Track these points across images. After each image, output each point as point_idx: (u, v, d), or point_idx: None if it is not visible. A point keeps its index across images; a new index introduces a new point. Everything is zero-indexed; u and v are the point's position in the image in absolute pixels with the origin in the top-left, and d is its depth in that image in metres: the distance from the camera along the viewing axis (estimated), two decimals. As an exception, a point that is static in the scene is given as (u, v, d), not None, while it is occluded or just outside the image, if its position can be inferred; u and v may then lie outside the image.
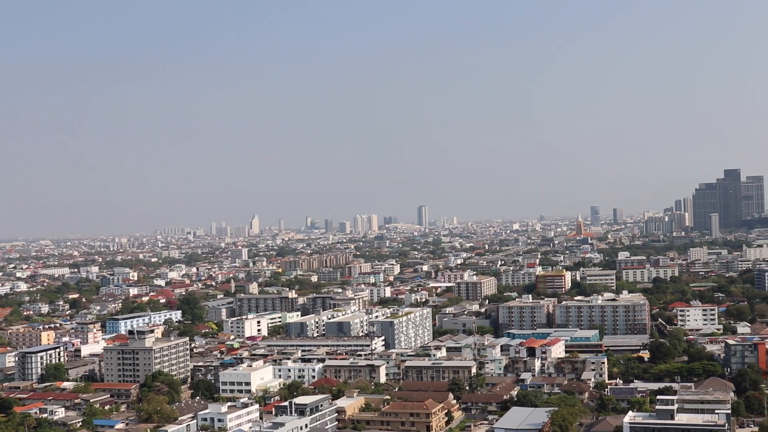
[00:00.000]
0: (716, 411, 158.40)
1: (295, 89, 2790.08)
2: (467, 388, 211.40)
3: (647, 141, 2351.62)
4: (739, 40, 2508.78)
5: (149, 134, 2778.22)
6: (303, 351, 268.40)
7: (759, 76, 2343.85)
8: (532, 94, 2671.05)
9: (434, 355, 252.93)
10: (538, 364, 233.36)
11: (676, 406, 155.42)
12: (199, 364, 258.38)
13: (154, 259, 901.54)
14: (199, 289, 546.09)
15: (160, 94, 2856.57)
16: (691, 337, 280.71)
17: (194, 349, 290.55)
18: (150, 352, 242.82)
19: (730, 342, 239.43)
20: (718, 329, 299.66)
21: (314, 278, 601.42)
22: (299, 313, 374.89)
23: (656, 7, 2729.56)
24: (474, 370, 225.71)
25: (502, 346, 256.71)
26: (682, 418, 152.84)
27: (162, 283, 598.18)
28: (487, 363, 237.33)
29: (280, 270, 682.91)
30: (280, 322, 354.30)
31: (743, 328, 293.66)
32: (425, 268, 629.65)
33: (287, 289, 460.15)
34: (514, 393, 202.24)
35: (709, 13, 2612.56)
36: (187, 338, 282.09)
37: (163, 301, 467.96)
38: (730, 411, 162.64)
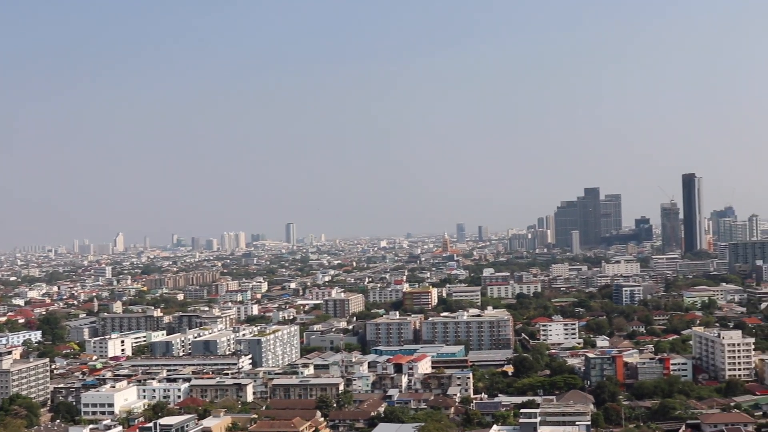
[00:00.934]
0: (577, 423, 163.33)
1: (160, 103, 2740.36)
2: (335, 405, 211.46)
3: (510, 160, 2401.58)
4: (588, 66, 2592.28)
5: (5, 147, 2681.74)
6: (168, 371, 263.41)
7: (611, 101, 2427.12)
8: (388, 113, 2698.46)
9: (302, 372, 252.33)
10: (405, 380, 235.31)
11: (538, 419, 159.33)
12: (59, 385, 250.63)
13: (12, 278, 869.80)
14: (61, 308, 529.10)
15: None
16: (553, 351, 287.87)
17: (55, 371, 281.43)
18: (7, 374, 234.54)
19: (590, 355, 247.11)
20: (579, 343, 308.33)
21: (180, 296, 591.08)
22: (165, 332, 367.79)
23: (502, 27, 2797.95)
24: (341, 387, 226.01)
25: (369, 363, 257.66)
26: (544, 431, 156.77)
27: (21, 302, 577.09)
28: (355, 380, 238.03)
29: (145, 288, 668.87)
30: (144, 341, 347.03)
31: (602, 341, 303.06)
32: (293, 285, 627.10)
33: (152, 307, 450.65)
34: (382, 409, 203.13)
35: (555, 37, 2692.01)
36: (48, 359, 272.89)
37: (22, 321, 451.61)
38: (590, 422, 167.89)
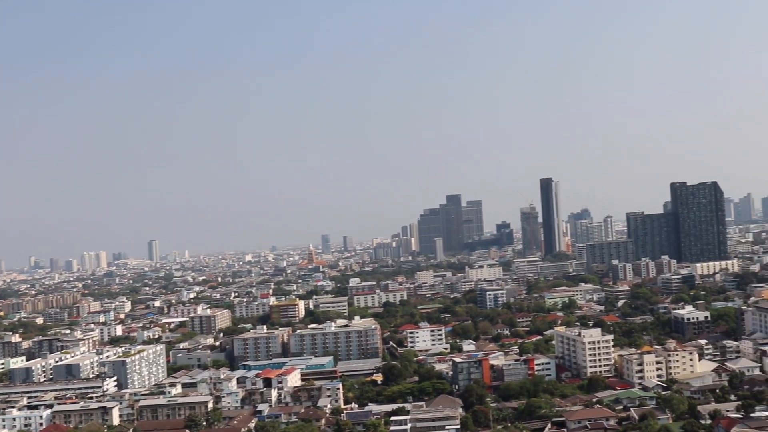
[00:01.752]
0: (446, 427, 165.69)
1: (9, 120, 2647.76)
2: (204, 423, 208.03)
3: (372, 170, 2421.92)
4: (443, 75, 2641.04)
5: None
6: (29, 398, 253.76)
7: (469, 109, 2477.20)
8: (248, 128, 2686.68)
9: (169, 392, 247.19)
10: (275, 394, 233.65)
11: (409, 426, 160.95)
12: None
13: None
14: None
15: None
16: (421, 357, 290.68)
17: None
18: None
19: (457, 360, 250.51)
20: (446, 348, 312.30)
21: (40, 320, 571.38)
22: (24, 357, 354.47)
23: (341, 48, 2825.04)
24: (210, 405, 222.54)
25: (238, 379, 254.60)
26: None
27: None
28: (224, 397, 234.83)
29: (1, 313, 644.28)
30: (2, 368, 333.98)
31: (468, 345, 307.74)
32: (157, 303, 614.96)
33: (10, 333, 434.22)
34: (252, 425, 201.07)
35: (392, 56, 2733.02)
36: None
37: None
38: (459, 426, 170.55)
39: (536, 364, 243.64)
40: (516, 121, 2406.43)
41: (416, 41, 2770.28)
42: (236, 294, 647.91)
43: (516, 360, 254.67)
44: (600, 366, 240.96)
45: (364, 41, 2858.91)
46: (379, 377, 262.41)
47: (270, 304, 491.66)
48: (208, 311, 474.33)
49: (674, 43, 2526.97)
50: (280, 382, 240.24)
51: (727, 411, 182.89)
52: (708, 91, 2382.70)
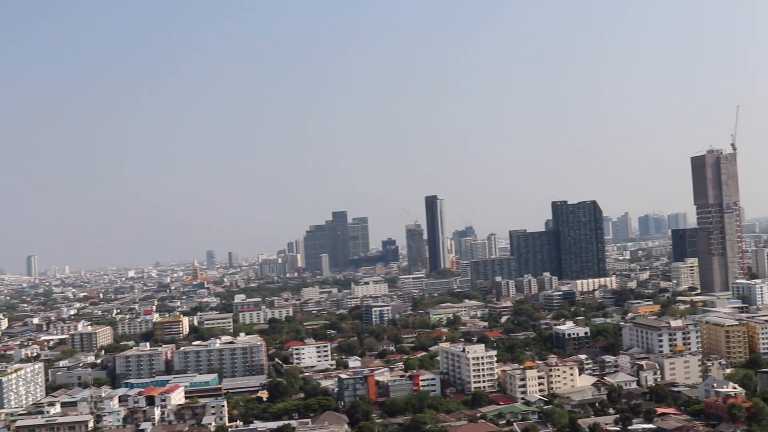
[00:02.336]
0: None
1: None
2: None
3: (255, 187, 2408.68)
4: (331, 96, 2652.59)
5: None
6: None
7: (357, 128, 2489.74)
8: (128, 143, 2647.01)
9: (48, 412, 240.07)
10: (158, 412, 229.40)
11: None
12: None
13: None
14: None
15: None
16: (307, 374, 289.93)
17: None
18: None
19: (343, 376, 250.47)
20: (332, 365, 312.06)
21: None
22: None
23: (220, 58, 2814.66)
24: (91, 425, 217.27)
25: (120, 397, 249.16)
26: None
27: None
28: (105, 416, 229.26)
29: None
30: None
31: (354, 362, 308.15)
32: (36, 320, 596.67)
33: None
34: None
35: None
36: None
37: None
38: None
39: (421, 380, 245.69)
40: (402, 138, 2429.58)
41: (286, 59, 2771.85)
42: (118, 310, 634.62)
43: (401, 376, 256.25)
44: (484, 381, 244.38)
45: (240, 57, 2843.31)
46: (264, 394, 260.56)
47: (153, 320, 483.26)
48: (89, 328, 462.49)
49: (552, 72, 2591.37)
50: (164, 400, 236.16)
51: (606, 424, 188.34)
52: (587, 117, 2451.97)
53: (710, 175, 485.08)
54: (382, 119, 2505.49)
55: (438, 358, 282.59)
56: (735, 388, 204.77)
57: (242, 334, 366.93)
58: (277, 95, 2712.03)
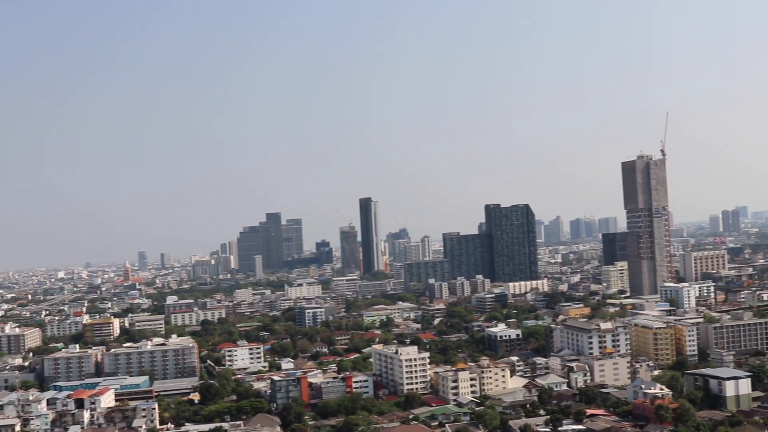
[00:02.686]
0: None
1: None
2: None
3: (189, 188, 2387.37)
4: (261, 96, 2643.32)
5: None
6: None
7: (293, 129, 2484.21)
8: (58, 142, 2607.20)
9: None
10: (87, 415, 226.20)
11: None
12: None
13: None
14: None
15: None
16: (239, 376, 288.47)
17: None
18: None
19: (276, 378, 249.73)
20: (264, 366, 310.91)
21: None
22: None
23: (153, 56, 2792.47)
24: (18, 428, 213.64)
25: (48, 400, 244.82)
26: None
27: None
28: (33, 419, 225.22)
29: None
30: None
31: (287, 363, 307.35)
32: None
33: None
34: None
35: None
36: None
37: None
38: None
39: (354, 382, 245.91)
40: (337, 141, 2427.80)
41: (211, 59, 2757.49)
42: (47, 312, 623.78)
43: (334, 378, 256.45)
44: (417, 383, 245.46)
45: (166, 57, 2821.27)
46: (196, 396, 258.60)
47: (83, 322, 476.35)
48: (17, 330, 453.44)
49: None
50: (93, 403, 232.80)
51: (537, 425, 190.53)
52: (519, 123, 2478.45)
53: (640, 180, 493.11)
54: (316, 121, 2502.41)
55: (371, 360, 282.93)
56: (662, 389, 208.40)
57: (174, 336, 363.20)
58: (208, 96, 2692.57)
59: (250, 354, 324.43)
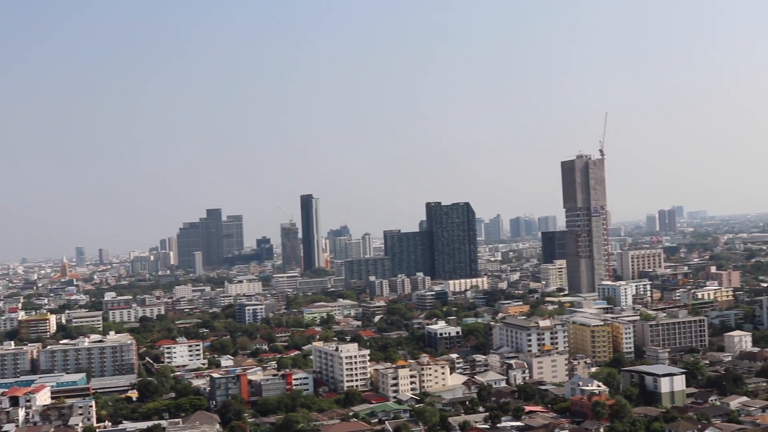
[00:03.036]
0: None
1: None
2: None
3: (125, 183, 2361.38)
4: (187, 95, 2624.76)
5: None
6: None
7: (237, 125, 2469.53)
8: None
9: None
10: (22, 413, 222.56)
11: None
12: None
13: None
14: None
15: None
16: (178, 373, 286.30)
17: None
18: None
19: (215, 375, 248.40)
20: (204, 364, 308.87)
21: None
22: None
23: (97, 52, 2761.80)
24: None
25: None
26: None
27: None
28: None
29: None
30: None
31: (227, 361, 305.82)
32: None
33: None
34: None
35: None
36: None
37: None
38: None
39: (294, 379, 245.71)
40: (279, 136, 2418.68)
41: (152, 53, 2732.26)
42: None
43: (274, 375, 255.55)
44: (357, 380, 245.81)
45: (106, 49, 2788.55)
46: (134, 394, 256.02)
47: (19, 318, 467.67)
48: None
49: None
50: (28, 401, 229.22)
51: (476, 422, 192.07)
52: (457, 121, 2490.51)
53: (579, 179, 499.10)
54: (253, 118, 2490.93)
55: (311, 357, 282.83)
56: (599, 386, 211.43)
57: (112, 333, 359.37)
58: (145, 90, 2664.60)
59: (190, 351, 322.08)
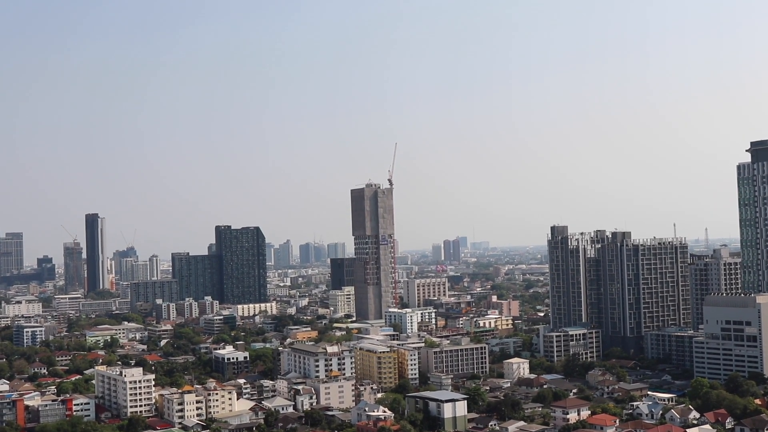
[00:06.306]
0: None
1: None
2: None
3: None
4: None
5: None
6: None
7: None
8: None
9: None
10: None
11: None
12: None
13: None
14: None
15: None
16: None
17: None
18: None
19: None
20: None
21: None
22: None
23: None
24: None
25: None
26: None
27: None
28: None
29: None
30: None
31: (2, 385, 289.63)
32: None
33: None
34: None
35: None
36: None
37: None
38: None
39: (75, 405, 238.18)
40: (61, 153, 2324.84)
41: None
42: None
43: (53, 400, 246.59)
44: (141, 406, 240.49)
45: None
46: None
47: None
48: None
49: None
50: None
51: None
52: (251, 144, 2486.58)
53: (368, 207, 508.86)
54: (34, 131, 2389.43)
55: (94, 381, 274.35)
56: (385, 411, 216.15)
57: None
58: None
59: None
